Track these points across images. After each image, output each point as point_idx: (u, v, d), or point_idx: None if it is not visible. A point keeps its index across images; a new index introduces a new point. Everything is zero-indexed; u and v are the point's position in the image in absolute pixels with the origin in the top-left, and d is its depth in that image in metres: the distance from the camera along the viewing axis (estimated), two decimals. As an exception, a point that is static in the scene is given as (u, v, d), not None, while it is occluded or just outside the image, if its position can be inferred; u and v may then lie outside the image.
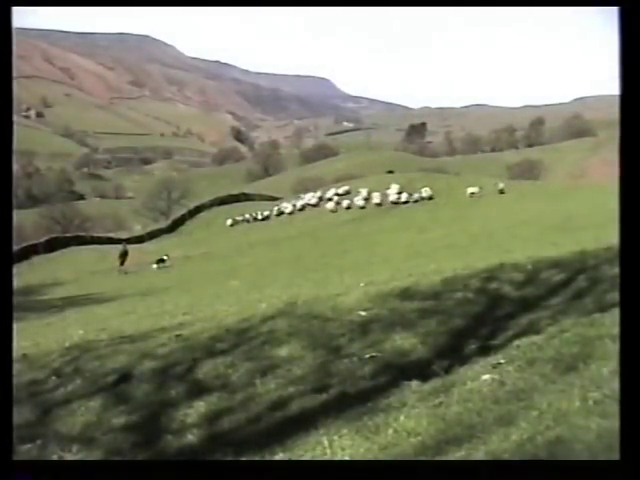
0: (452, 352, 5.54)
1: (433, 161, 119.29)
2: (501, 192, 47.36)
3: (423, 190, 51.10)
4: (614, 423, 2.92)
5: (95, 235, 65.55)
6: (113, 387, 5.90)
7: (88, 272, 41.27)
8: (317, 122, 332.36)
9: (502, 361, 4.54)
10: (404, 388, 4.67)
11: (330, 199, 57.12)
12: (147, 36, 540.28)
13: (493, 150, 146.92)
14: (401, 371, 5.19)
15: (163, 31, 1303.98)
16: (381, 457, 3.45)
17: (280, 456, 3.89)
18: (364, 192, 54.51)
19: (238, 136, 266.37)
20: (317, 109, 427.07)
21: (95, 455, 4.61)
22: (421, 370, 5.11)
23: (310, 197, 59.91)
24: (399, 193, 52.32)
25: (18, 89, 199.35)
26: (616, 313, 3.93)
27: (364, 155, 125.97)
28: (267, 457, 3.94)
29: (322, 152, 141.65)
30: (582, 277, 7.38)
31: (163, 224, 71.35)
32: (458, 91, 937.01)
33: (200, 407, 5.11)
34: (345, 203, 54.58)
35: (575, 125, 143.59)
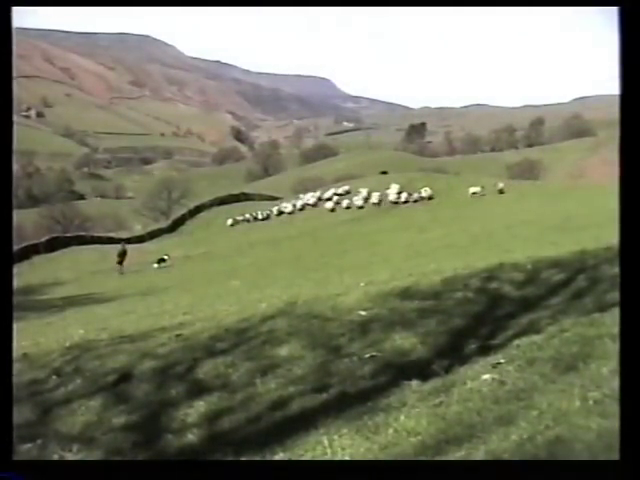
0: (452, 352, 5.54)
1: (433, 161, 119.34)
2: (501, 192, 47.38)
3: (423, 190, 51.13)
4: (614, 423, 2.93)
5: (95, 235, 65.41)
6: (113, 387, 5.90)
7: (88, 272, 41.25)
8: (317, 122, 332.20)
9: (502, 361, 4.53)
10: (404, 388, 4.67)
11: (330, 199, 57.15)
12: (147, 36, 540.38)
13: (493, 150, 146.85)
14: (401, 371, 5.18)
15: (163, 31, 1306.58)
16: (381, 457, 3.45)
17: (280, 456, 3.89)
18: (364, 192, 54.54)
19: (238, 136, 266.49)
20: (317, 109, 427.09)
21: (95, 455, 4.61)
22: (421, 370, 5.10)
23: (310, 197, 59.93)
24: (399, 193, 52.34)
25: (18, 89, 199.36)
26: (616, 313, 3.93)
27: (364, 155, 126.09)
28: (267, 457, 3.93)
29: (322, 152, 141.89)
30: (582, 277, 7.38)
31: (163, 224, 71.31)
32: (458, 91, 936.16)
33: (200, 407, 5.11)
34: (345, 203, 54.59)
35: (575, 125, 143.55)
